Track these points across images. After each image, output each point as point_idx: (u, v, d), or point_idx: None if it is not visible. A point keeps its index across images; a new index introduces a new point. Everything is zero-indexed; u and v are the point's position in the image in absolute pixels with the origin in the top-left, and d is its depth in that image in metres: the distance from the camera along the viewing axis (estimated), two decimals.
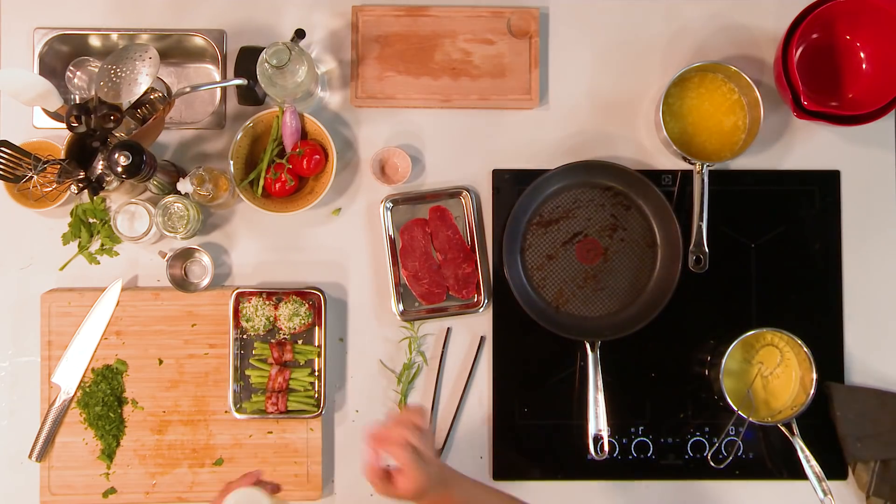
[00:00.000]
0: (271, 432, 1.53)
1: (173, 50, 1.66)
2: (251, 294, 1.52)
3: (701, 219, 1.52)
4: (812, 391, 1.45)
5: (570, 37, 1.61)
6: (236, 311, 1.52)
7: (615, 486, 1.55)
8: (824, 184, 1.59)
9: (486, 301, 1.56)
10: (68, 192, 1.49)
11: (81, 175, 1.41)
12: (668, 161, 1.58)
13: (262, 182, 1.53)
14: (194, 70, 1.71)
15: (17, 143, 1.44)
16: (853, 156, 1.60)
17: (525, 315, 1.51)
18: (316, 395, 1.52)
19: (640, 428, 1.55)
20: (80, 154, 1.43)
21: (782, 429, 1.47)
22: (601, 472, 1.54)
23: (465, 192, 1.57)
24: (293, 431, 1.52)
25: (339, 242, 1.58)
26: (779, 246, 1.58)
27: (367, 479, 1.16)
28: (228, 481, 1.26)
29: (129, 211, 1.52)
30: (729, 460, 1.50)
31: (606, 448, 1.49)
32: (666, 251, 1.56)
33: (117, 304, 1.53)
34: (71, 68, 1.67)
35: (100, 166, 1.42)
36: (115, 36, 1.61)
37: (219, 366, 1.53)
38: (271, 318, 1.52)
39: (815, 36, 1.57)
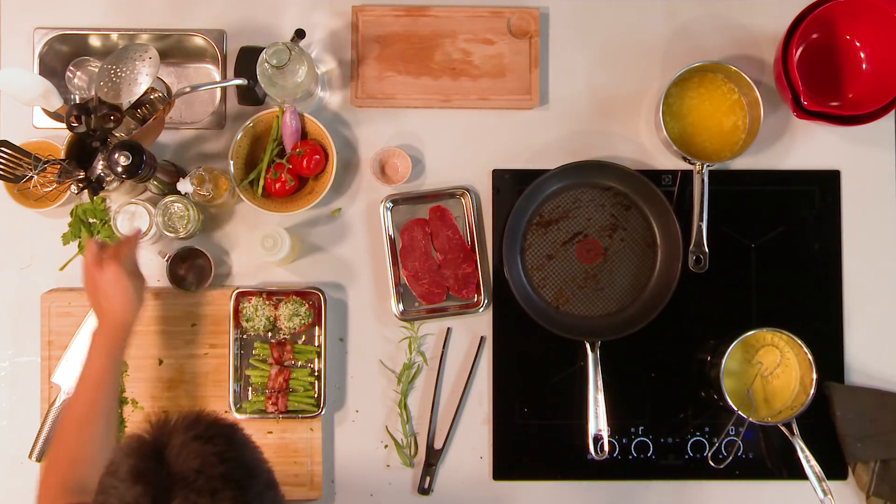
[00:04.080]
0: (271, 432, 1.53)
1: (173, 50, 1.66)
2: (251, 294, 1.52)
3: (701, 219, 1.52)
4: (812, 391, 1.45)
5: (570, 37, 1.61)
6: (236, 311, 1.52)
7: (615, 486, 1.55)
8: (824, 184, 1.59)
9: (486, 301, 1.56)
10: (68, 192, 1.49)
11: (81, 175, 1.41)
12: (668, 161, 1.58)
13: (262, 182, 1.53)
14: (194, 70, 1.71)
15: (17, 143, 1.44)
16: (853, 156, 1.60)
17: (525, 315, 1.51)
18: (316, 395, 1.52)
19: (640, 428, 1.55)
20: (80, 154, 1.43)
21: (782, 429, 1.47)
22: (601, 472, 1.54)
23: (465, 192, 1.57)
24: (293, 431, 1.52)
25: (339, 242, 1.58)
26: (779, 246, 1.58)
27: (84, 260, 1.36)
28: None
29: (129, 211, 1.52)
30: (729, 460, 1.50)
31: (606, 448, 1.49)
32: (666, 251, 1.56)
33: None
34: (71, 68, 1.66)
35: (100, 166, 1.42)
36: (115, 36, 1.61)
37: (219, 366, 1.53)
38: (271, 318, 1.52)
39: (815, 36, 1.57)
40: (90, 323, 1.52)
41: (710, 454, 1.53)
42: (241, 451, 0.90)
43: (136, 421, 1.52)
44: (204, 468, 0.85)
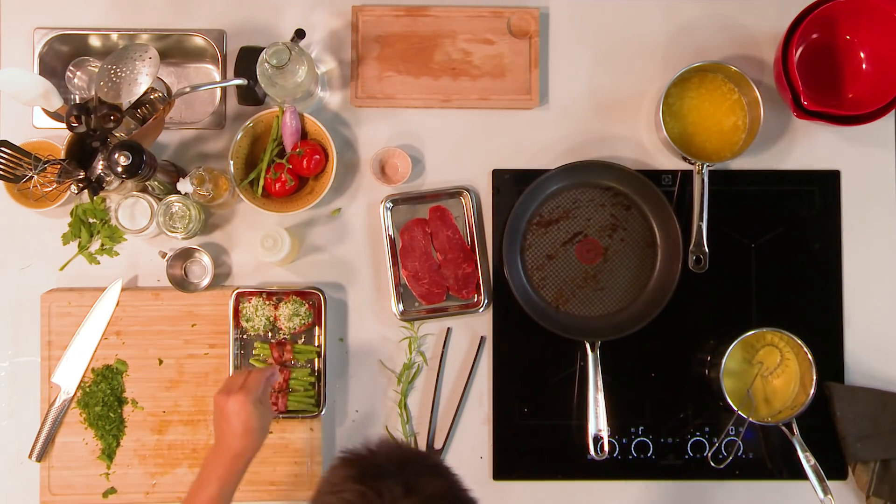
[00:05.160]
0: (271, 432, 1.53)
1: (173, 50, 1.66)
2: (251, 294, 1.52)
3: (701, 219, 1.52)
4: (812, 391, 1.45)
5: (570, 37, 1.61)
6: (236, 311, 1.52)
7: (615, 486, 1.55)
8: (824, 184, 1.59)
9: (486, 301, 1.56)
10: (68, 192, 1.49)
11: (81, 175, 1.41)
12: (668, 161, 1.58)
13: (262, 182, 1.53)
14: (194, 70, 1.71)
15: (17, 143, 1.44)
16: (853, 156, 1.60)
17: (525, 315, 1.51)
18: (316, 395, 1.52)
19: (640, 428, 1.55)
20: (80, 154, 1.43)
21: (782, 429, 1.47)
22: (601, 472, 1.54)
23: (465, 192, 1.57)
24: (293, 431, 1.52)
25: (339, 242, 1.58)
26: (779, 246, 1.58)
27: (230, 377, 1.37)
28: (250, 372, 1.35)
29: (131, 203, 1.51)
30: (729, 460, 1.50)
31: (606, 448, 1.49)
32: (666, 251, 1.56)
33: (117, 304, 1.53)
34: (71, 68, 1.67)
35: (100, 166, 1.42)
36: (115, 36, 1.61)
37: (219, 366, 1.53)
38: (271, 318, 1.52)
39: (815, 36, 1.57)
40: (91, 322, 1.52)
41: (710, 454, 1.53)
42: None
43: (136, 421, 1.52)
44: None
